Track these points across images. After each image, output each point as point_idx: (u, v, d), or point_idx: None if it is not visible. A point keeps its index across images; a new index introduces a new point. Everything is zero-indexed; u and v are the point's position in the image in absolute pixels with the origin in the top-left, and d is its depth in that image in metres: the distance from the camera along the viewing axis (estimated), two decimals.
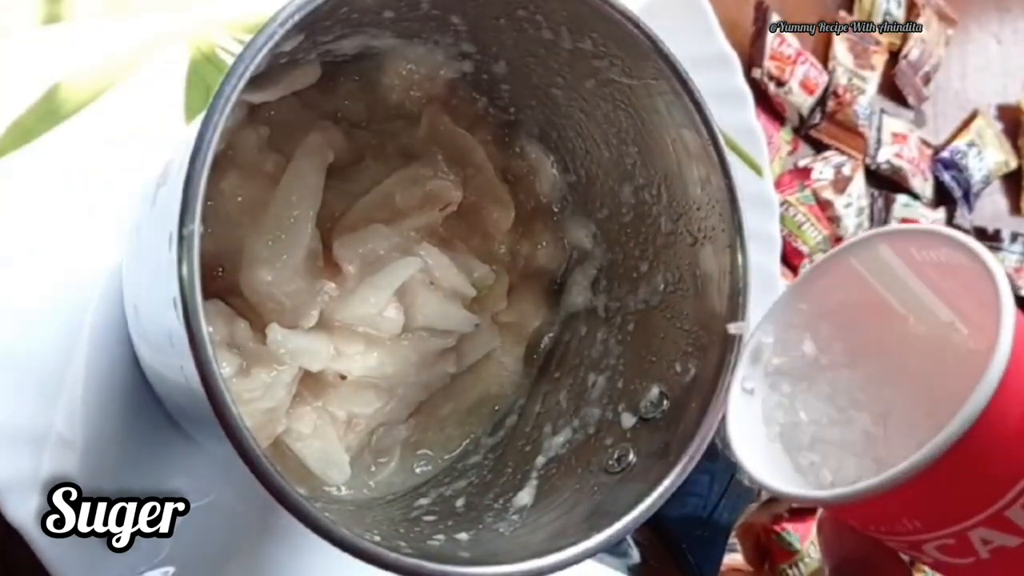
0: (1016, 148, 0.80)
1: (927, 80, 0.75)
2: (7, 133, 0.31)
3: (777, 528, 0.59)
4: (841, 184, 0.69)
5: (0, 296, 0.31)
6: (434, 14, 0.32)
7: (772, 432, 0.30)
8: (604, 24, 0.30)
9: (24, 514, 0.30)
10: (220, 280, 0.32)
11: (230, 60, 0.28)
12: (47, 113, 0.32)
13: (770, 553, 0.60)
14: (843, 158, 0.69)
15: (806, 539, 0.59)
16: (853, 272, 0.30)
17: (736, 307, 0.31)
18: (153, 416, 0.32)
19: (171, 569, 0.32)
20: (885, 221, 0.72)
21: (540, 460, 0.35)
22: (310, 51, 0.32)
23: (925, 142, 0.75)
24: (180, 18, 0.34)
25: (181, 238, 0.23)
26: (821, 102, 0.68)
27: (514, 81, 0.36)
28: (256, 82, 0.27)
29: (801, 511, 0.60)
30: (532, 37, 0.32)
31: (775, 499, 0.58)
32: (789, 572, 0.59)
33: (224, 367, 0.30)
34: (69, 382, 0.31)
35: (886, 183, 0.73)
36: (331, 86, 0.35)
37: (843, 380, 0.29)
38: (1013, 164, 0.79)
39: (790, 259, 0.65)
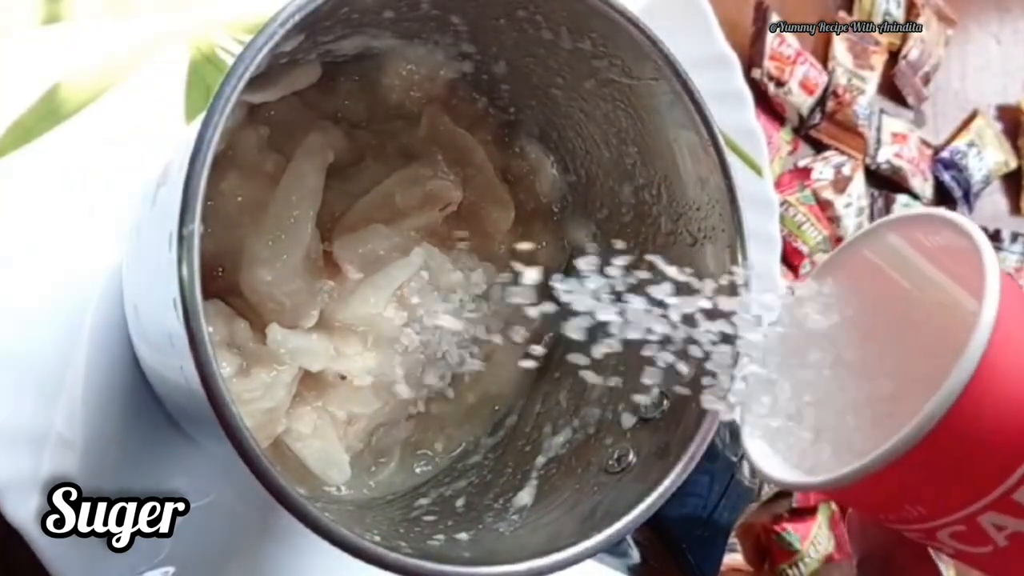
0: (1016, 148, 0.80)
1: (927, 80, 0.75)
2: (7, 133, 0.31)
3: (777, 528, 0.59)
4: (841, 184, 0.69)
5: (0, 296, 0.31)
6: (434, 14, 0.32)
7: (776, 420, 0.29)
8: (604, 24, 0.30)
9: (24, 514, 0.30)
10: (220, 280, 0.32)
11: (230, 60, 0.28)
12: (47, 113, 0.32)
13: (770, 553, 0.60)
14: (843, 158, 0.69)
15: (806, 539, 0.59)
16: (867, 263, 0.30)
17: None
18: (153, 416, 0.32)
19: (171, 569, 0.32)
20: None
21: (540, 460, 0.35)
22: (310, 51, 0.32)
23: (925, 142, 0.75)
24: (180, 18, 0.34)
25: (181, 238, 0.23)
26: (821, 102, 0.68)
27: (514, 81, 0.36)
28: (256, 82, 0.27)
29: (801, 511, 0.60)
30: (532, 37, 0.32)
31: (775, 499, 0.58)
32: (789, 572, 0.59)
33: (224, 367, 0.30)
34: (69, 382, 0.32)
35: (886, 183, 0.73)
36: (331, 86, 0.35)
37: (856, 369, 0.29)
38: (1013, 164, 0.79)
39: (790, 259, 0.65)
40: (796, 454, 0.29)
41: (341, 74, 0.35)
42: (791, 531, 0.59)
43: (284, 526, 0.34)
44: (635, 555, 0.36)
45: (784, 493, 0.59)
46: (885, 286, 0.30)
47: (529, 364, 0.34)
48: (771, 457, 0.29)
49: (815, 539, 0.59)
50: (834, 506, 0.63)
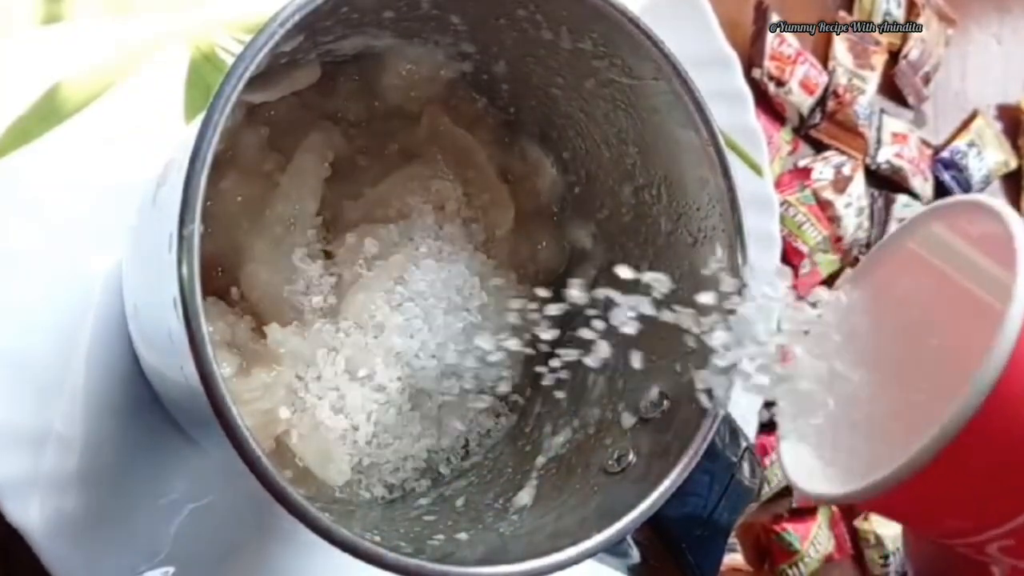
0: (1016, 148, 0.80)
1: (927, 80, 0.75)
2: (7, 133, 0.31)
3: (777, 528, 0.59)
4: (841, 184, 0.69)
5: (0, 295, 0.31)
6: (434, 14, 0.32)
7: (811, 427, 0.28)
8: (604, 24, 0.30)
9: (24, 514, 0.30)
10: (220, 280, 0.32)
11: (230, 60, 0.27)
12: (47, 113, 0.32)
13: (770, 553, 0.60)
14: (843, 158, 0.69)
15: (806, 539, 0.59)
16: (913, 255, 0.29)
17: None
18: (153, 416, 0.32)
19: (171, 569, 0.32)
20: (885, 221, 0.71)
21: (540, 460, 0.35)
22: (310, 51, 0.32)
23: (925, 142, 0.75)
24: (180, 18, 0.34)
25: (181, 238, 0.23)
26: (821, 102, 0.68)
27: (514, 81, 0.36)
28: (256, 82, 0.27)
29: (802, 511, 0.60)
30: (532, 37, 0.32)
31: (775, 499, 0.58)
32: (789, 572, 0.59)
33: (224, 367, 0.30)
34: (69, 382, 0.32)
35: (886, 183, 0.72)
36: (331, 86, 0.35)
37: (899, 370, 0.28)
38: (1013, 164, 0.79)
39: (790, 259, 0.65)
40: (833, 463, 0.28)
41: (341, 74, 0.35)
42: (791, 531, 0.59)
43: (284, 526, 0.34)
44: (635, 555, 0.36)
45: (784, 493, 0.59)
46: (931, 278, 0.29)
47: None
48: (804, 467, 0.28)
49: (815, 539, 0.59)
50: (834, 507, 0.63)
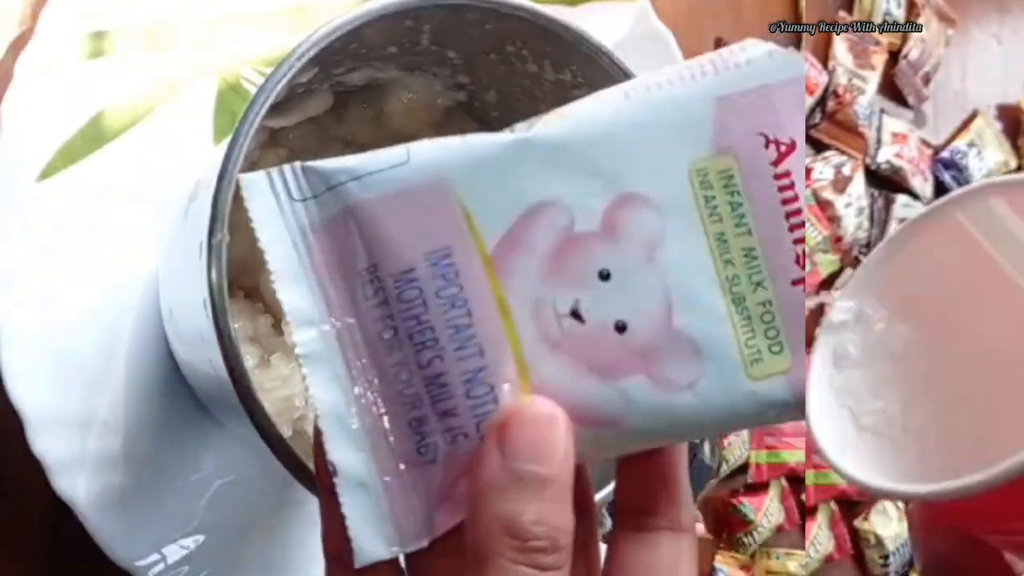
0: (1016, 148, 0.80)
1: (927, 80, 0.75)
2: (58, 154, 0.33)
3: (734, 501, 0.63)
4: (841, 184, 0.69)
5: (52, 297, 0.33)
6: (433, 49, 0.34)
7: (859, 420, 0.26)
8: (581, 58, 0.32)
9: (72, 489, 0.32)
10: (243, 282, 0.35)
11: (253, 90, 0.29)
12: (92, 137, 0.34)
13: (728, 523, 0.63)
14: (843, 158, 0.70)
15: (759, 511, 0.63)
16: (958, 229, 0.26)
17: None
18: (185, 403, 0.35)
19: (202, 537, 0.34)
20: (885, 221, 0.72)
21: None
22: (323, 82, 0.35)
23: (925, 142, 0.75)
24: (210, 54, 0.37)
25: (210, 247, 0.25)
26: (821, 102, 0.68)
27: (503, 109, 0.38)
28: (276, 109, 0.29)
29: (755, 486, 0.63)
30: (519, 70, 0.35)
31: (732, 476, 0.61)
32: (745, 540, 0.63)
33: (248, 359, 0.32)
34: (112, 374, 0.34)
35: (886, 183, 0.73)
36: (342, 113, 0.38)
37: (948, 356, 0.25)
38: (1013, 164, 0.79)
39: None
40: (885, 459, 0.25)
41: (351, 102, 0.38)
42: (746, 504, 0.62)
43: (299, 499, 0.35)
44: (608, 524, 0.39)
45: (740, 470, 0.62)
46: (978, 261, 0.25)
47: None
48: (860, 463, 0.25)
49: (767, 511, 0.63)
50: (784, 482, 0.64)
